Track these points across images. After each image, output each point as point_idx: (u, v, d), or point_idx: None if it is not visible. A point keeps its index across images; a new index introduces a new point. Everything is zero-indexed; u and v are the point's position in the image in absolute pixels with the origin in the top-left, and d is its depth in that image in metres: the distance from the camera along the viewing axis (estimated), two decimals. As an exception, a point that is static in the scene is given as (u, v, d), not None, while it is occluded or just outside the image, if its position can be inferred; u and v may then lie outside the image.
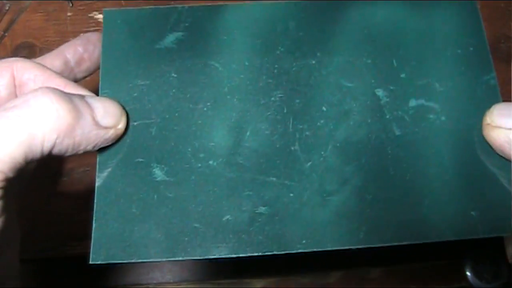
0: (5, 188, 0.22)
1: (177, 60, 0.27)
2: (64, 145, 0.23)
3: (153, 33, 0.27)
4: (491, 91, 0.27)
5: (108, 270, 0.49)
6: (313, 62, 0.27)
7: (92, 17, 0.45)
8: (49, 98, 0.22)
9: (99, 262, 0.24)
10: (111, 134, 0.25)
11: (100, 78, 0.27)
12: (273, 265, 0.50)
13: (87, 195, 0.42)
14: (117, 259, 0.24)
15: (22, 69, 0.25)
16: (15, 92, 0.25)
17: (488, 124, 0.25)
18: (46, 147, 0.22)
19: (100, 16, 0.45)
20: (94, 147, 0.24)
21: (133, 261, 0.24)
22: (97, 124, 0.24)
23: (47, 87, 0.23)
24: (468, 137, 0.26)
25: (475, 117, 0.26)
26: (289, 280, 0.48)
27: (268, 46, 0.27)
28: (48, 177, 0.42)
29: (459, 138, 0.26)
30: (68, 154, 0.24)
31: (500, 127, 0.24)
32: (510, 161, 0.25)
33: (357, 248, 0.25)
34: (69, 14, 0.45)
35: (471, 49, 0.28)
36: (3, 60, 0.26)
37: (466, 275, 0.49)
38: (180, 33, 0.27)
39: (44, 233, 0.40)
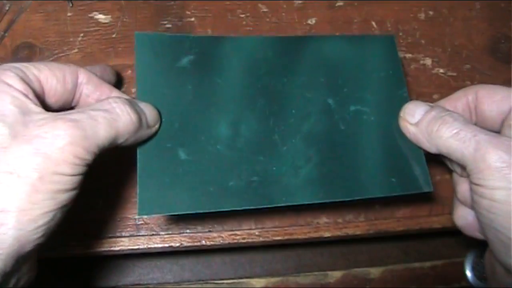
0: (89, 166, 0.29)
1: (191, 76, 0.36)
2: (130, 141, 0.31)
3: (172, 55, 0.36)
4: (403, 100, 0.38)
5: (108, 270, 0.49)
6: (285, 80, 0.38)
7: (92, 17, 0.45)
8: (126, 107, 0.30)
9: (144, 216, 0.36)
10: (153, 130, 0.33)
11: (137, 87, 0.35)
12: (273, 265, 0.50)
13: (87, 195, 0.42)
14: (157, 213, 0.33)
15: (84, 73, 0.33)
16: (75, 89, 0.33)
17: (401, 117, 0.36)
18: (120, 141, 0.30)
19: (100, 16, 0.46)
20: (142, 140, 0.33)
21: (167, 213, 0.34)
22: (148, 125, 0.32)
23: (121, 97, 0.31)
24: (389, 129, 0.37)
25: (394, 116, 0.37)
26: (289, 280, 0.48)
27: (254, 68, 0.38)
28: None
29: (383, 130, 0.37)
30: (125, 146, 0.31)
31: (406, 120, 0.36)
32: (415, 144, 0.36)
33: (319, 203, 0.35)
34: (69, 14, 0.45)
35: (390, 72, 0.39)
36: (71, 65, 0.33)
37: (466, 275, 0.49)
38: (192, 56, 0.37)
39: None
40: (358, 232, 0.42)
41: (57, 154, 0.27)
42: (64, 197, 0.28)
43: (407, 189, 0.35)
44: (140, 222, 0.41)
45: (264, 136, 0.36)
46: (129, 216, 0.41)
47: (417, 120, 0.35)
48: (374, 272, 0.49)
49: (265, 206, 0.34)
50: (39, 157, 0.26)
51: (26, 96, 0.29)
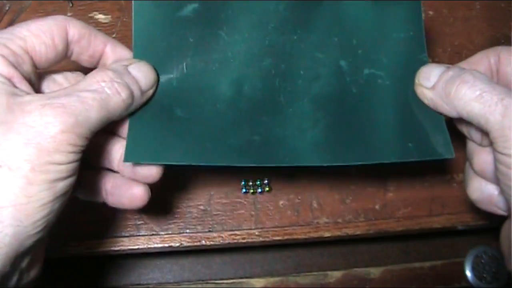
0: (83, 152, 0.27)
1: (193, 28, 0.33)
2: (123, 116, 0.30)
3: (174, 3, 0.33)
4: (423, 65, 0.34)
5: (108, 270, 0.49)
6: (295, 37, 0.35)
7: (92, 17, 0.45)
8: (115, 86, 0.28)
9: (130, 162, 0.31)
10: (149, 94, 0.31)
11: (133, 41, 0.32)
12: (273, 265, 0.50)
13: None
14: (145, 160, 0.31)
15: (74, 26, 0.30)
16: (66, 48, 0.31)
17: (416, 83, 0.34)
18: (112, 119, 0.29)
19: (100, 16, 0.46)
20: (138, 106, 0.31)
21: (156, 163, 0.31)
22: (142, 92, 0.30)
23: (108, 70, 0.29)
24: (406, 94, 0.34)
25: (412, 82, 0.34)
26: (289, 280, 0.48)
27: (262, 22, 0.34)
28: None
29: (400, 96, 0.34)
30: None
31: (422, 85, 0.33)
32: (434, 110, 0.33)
33: (323, 166, 0.32)
34: (69, 14, 0.45)
35: (411, 33, 0.36)
36: (58, 17, 0.30)
37: (466, 275, 0.49)
38: (196, 5, 0.34)
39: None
40: (358, 232, 0.42)
41: (49, 143, 0.25)
42: (61, 186, 0.26)
43: (425, 155, 0.33)
44: (140, 222, 0.41)
45: (268, 97, 0.33)
46: (129, 216, 0.41)
47: (433, 83, 0.32)
48: (374, 272, 0.49)
49: (266, 165, 0.32)
50: (31, 147, 0.25)
51: (10, 80, 0.27)
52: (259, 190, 0.42)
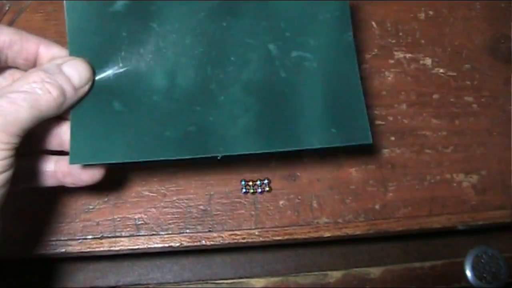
0: (17, 148, 0.29)
1: (126, 21, 0.34)
2: (58, 113, 0.31)
3: None
4: (348, 45, 0.36)
5: (108, 270, 0.49)
6: (224, 24, 0.35)
7: (92, 17, 0.45)
8: (46, 85, 0.30)
9: (76, 164, 0.32)
10: (85, 90, 0.32)
11: (68, 38, 0.33)
12: (273, 265, 0.50)
13: (86, 195, 0.42)
14: (90, 161, 0.32)
15: (3, 34, 0.31)
16: None
17: None
18: (46, 117, 0.30)
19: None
20: (73, 104, 0.32)
21: (100, 162, 0.32)
22: (75, 89, 0.31)
23: (39, 71, 0.30)
24: (332, 76, 0.35)
25: (337, 62, 0.35)
26: (289, 280, 0.48)
27: (193, 11, 0.35)
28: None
29: (326, 78, 0.35)
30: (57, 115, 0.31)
31: None
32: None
33: (257, 153, 0.33)
34: (69, 14, 0.45)
35: (336, 13, 0.36)
36: None
37: (466, 275, 0.49)
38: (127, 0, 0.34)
39: (44, 233, 0.40)
40: (358, 232, 0.42)
41: None
42: None
43: (347, 140, 0.34)
44: (140, 222, 0.41)
45: (201, 86, 0.34)
46: (129, 216, 0.41)
47: None
48: (374, 272, 0.49)
49: (200, 156, 0.33)
50: None
51: None
52: (259, 190, 0.42)
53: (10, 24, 0.44)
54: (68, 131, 0.32)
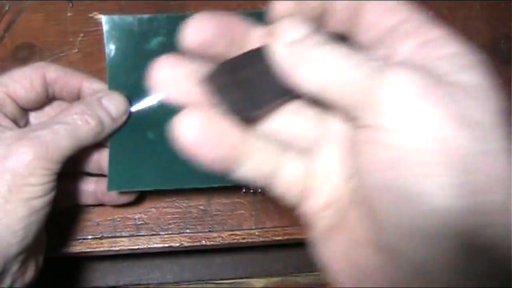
0: (58, 173, 0.32)
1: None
2: (97, 141, 0.34)
3: (142, 37, 0.36)
4: None
5: (108, 270, 0.49)
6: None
7: (92, 17, 0.45)
8: (85, 117, 0.33)
9: (114, 191, 0.36)
10: (122, 121, 0.35)
11: (107, 74, 0.35)
12: (273, 265, 0.50)
13: (87, 195, 0.42)
14: (126, 189, 0.36)
15: (50, 71, 0.35)
16: (47, 89, 0.36)
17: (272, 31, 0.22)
18: (85, 146, 0.33)
19: (100, 16, 0.45)
20: (111, 133, 0.35)
21: (135, 190, 0.37)
22: (112, 119, 0.34)
23: (80, 104, 0.34)
24: None
25: None
26: (289, 280, 0.48)
27: None
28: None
29: None
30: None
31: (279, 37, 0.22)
32: None
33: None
34: (69, 14, 0.45)
35: None
36: (36, 65, 0.36)
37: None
38: (161, 38, 0.36)
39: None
40: (358, 232, 0.42)
41: (23, 169, 0.30)
42: (37, 203, 0.31)
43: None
44: (140, 222, 0.41)
45: None
46: (129, 216, 0.41)
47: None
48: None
49: (229, 185, 0.35)
50: (7, 174, 0.30)
51: None
52: (259, 190, 0.42)
53: (10, 24, 0.44)
54: (107, 157, 0.35)
